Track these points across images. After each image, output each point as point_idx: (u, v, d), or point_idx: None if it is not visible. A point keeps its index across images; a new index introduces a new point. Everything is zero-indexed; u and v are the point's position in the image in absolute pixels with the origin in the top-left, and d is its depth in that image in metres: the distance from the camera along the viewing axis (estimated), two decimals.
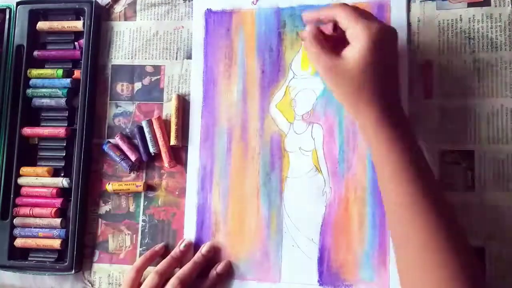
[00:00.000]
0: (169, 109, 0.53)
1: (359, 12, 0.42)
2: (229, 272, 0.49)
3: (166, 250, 0.51)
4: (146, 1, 0.55)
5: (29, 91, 0.53)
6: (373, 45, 0.40)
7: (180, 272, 0.47)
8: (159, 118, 0.52)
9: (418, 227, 0.38)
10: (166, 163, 0.51)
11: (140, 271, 0.48)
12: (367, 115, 0.41)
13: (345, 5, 0.43)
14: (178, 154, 0.52)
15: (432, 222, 0.38)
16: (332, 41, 0.43)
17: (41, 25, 0.54)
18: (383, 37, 0.41)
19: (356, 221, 0.48)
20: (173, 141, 0.51)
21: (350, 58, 0.41)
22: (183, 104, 0.53)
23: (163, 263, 0.48)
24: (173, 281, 0.46)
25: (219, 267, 0.49)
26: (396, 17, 0.49)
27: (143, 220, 0.52)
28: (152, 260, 0.50)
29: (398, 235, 0.41)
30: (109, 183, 0.52)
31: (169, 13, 0.54)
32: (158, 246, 0.50)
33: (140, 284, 0.48)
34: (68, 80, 0.53)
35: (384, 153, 0.41)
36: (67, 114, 0.54)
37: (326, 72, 0.42)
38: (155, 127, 0.52)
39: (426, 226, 0.38)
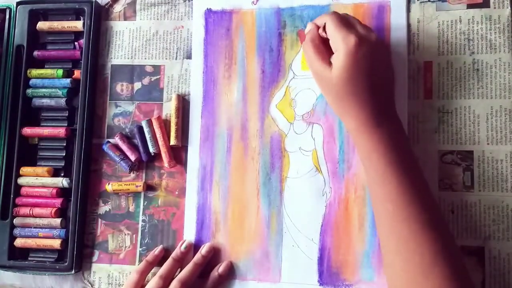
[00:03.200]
0: (169, 109, 0.53)
1: (343, 22, 0.42)
2: (230, 273, 0.49)
3: (166, 251, 0.51)
4: (145, 0, 0.54)
5: (29, 91, 0.53)
6: (351, 58, 0.40)
7: (181, 275, 0.47)
8: (159, 118, 0.52)
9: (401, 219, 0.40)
10: (166, 163, 0.51)
11: (143, 274, 0.48)
12: (349, 123, 0.43)
13: (334, 13, 0.44)
14: (178, 154, 0.52)
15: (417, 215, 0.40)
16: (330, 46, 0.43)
17: (41, 25, 0.54)
18: (362, 49, 0.40)
19: (356, 221, 0.48)
20: (173, 141, 0.51)
21: (334, 67, 0.41)
22: (183, 104, 0.53)
23: (166, 266, 0.48)
24: (175, 284, 0.46)
25: (221, 268, 0.49)
26: (396, 18, 0.49)
27: (143, 220, 0.52)
28: (154, 263, 0.50)
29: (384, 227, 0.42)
30: (108, 183, 0.52)
31: (169, 12, 0.54)
32: (157, 250, 0.50)
33: (143, 287, 0.48)
34: (68, 80, 0.53)
35: (365, 157, 0.42)
36: (67, 114, 0.54)
37: (316, 77, 0.44)
38: (155, 127, 0.52)
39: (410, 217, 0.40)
